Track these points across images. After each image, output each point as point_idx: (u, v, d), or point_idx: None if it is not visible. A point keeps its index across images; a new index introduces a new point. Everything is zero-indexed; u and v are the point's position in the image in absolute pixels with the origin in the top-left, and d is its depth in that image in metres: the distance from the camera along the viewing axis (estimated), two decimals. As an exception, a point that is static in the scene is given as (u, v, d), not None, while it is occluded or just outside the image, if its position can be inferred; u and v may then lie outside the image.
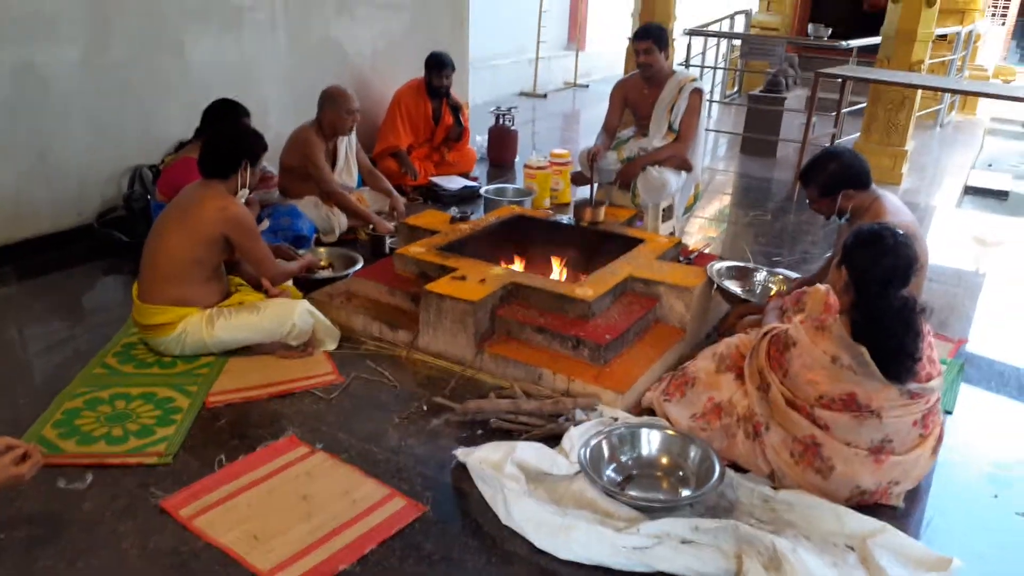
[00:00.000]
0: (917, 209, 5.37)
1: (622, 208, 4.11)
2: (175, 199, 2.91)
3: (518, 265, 3.54)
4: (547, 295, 2.98)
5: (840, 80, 5.85)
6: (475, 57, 6.77)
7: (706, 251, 4.01)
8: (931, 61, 6.49)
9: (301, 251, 3.66)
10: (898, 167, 5.97)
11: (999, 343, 3.38)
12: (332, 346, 3.00)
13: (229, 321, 2.83)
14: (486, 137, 6.15)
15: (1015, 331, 3.53)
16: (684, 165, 4.15)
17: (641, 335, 3.00)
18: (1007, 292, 3.99)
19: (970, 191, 6.17)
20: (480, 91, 7.99)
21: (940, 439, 2.30)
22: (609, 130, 4.35)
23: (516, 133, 6.12)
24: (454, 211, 3.82)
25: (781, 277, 3.33)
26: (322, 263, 3.69)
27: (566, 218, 3.84)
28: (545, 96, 9.34)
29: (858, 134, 6.21)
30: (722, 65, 8.71)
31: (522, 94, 9.31)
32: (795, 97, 7.34)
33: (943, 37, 7.67)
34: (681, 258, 3.65)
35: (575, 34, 10.65)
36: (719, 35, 8.20)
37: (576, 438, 2.36)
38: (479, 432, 2.51)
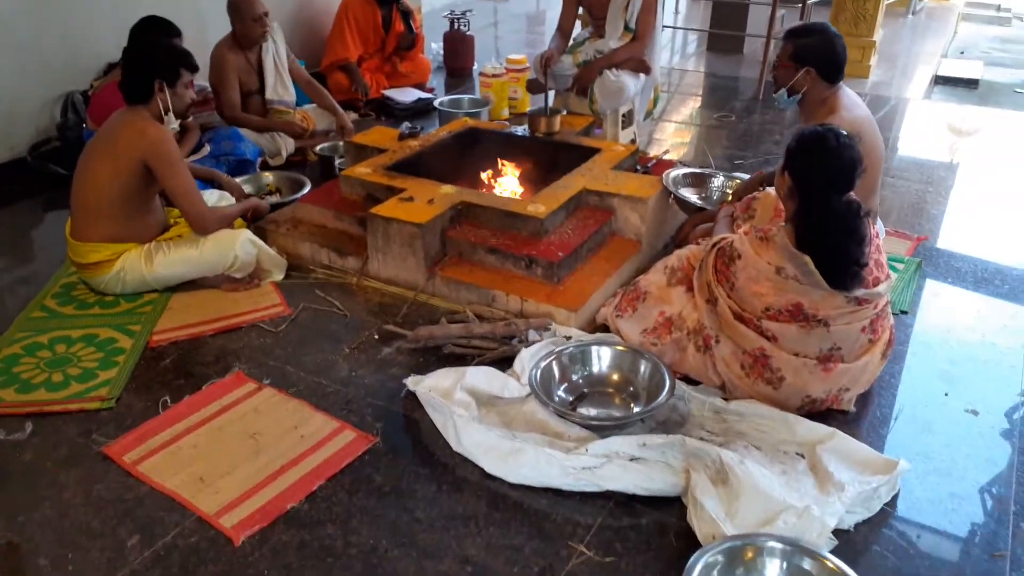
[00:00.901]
0: (887, 103, 5.25)
1: (580, 116, 3.97)
2: (100, 129, 2.74)
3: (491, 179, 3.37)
4: (498, 214, 2.89)
5: (807, -33, 5.61)
6: (427, -43, 6.41)
7: (665, 157, 3.90)
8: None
9: (245, 176, 3.52)
10: (866, 59, 5.80)
11: (959, 238, 3.36)
12: (279, 276, 2.92)
13: (168, 256, 2.73)
14: (442, 45, 5.88)
15: (974, 226, 3.50)
16: (642, 67, 3.98)
17: (596, 250, 2.94)
18: (969, 188, 3.94)
19: (940, 81, 6.03)
20: (437, -6, 7.59)
21: (891, 343, 2.29)
22: (564, 32, 4.15)
23: (472, 38, 5.85)
24: (404, 127, 3.66)
25: (739, 181, 3.24)
26: (268, 187, 3.56)
27: (520, 129, 3.71)
28: (506, -4, 8.92)
29: (826, 25, 5.98)
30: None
31: (482, -5, 8.89)
32: (763, -12, 7.04)
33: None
34: (639, 167, 3.54)
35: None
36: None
37: (527, 360, 2.32)
38: (432, 359, 2.47)
